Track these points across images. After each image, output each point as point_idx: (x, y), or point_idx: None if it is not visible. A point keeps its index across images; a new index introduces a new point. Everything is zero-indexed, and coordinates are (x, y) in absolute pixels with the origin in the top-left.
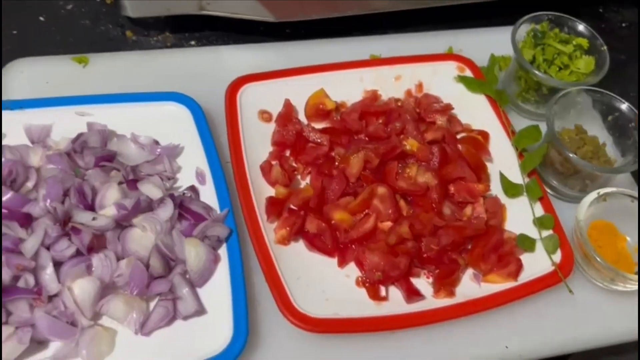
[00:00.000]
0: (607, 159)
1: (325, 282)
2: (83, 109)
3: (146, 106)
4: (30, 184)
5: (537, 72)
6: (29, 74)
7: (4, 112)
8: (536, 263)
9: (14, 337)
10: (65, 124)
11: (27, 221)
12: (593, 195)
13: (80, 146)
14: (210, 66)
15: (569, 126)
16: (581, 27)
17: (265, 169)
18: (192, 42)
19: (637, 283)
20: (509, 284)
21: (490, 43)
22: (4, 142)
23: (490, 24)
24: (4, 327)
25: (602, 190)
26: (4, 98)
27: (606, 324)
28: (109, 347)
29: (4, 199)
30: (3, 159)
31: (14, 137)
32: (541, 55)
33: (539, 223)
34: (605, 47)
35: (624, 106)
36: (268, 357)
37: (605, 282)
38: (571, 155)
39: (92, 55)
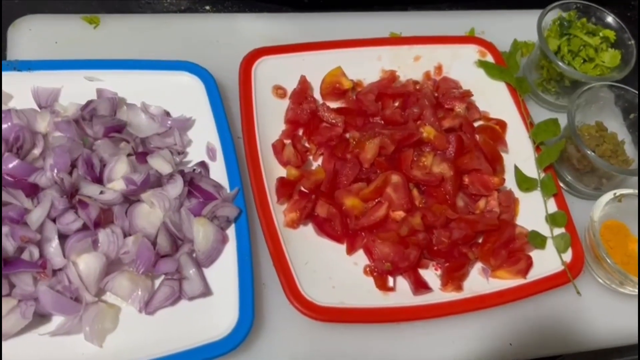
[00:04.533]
0: (625, 159)
1: (332, 269)
2: (93, 73)
3: (158, 75)
4: (37, 151)
5: (561, 64)
6: (38, 33)
7: (11, 73)
8: (545, 261)
9: (17, 310)
10: (74, 89)
11: (33, 191)
12: (609, 195)
13: (90, 114)
14: (225, 34)
15: (588, 121)
16: (609, 18)
17: (278, 147)
18: (207, 7)
19: None
20: (517, 281)
21: (513, 27)
22: (10, 105)
23: (514, 6)
24: (6, 300)
25: (619, 191)
26: (10, 57)
27: (612, 326)
28: (112, 324)
29: (10, 166)
30: (10, 123)
31: (21, 99)
32: (566, 46)
33: (552, 220)
34: (632, 42)
35: None
36: (272, 341)
37: (614, 285)
38: (590, 153)
39: (103, 15)
